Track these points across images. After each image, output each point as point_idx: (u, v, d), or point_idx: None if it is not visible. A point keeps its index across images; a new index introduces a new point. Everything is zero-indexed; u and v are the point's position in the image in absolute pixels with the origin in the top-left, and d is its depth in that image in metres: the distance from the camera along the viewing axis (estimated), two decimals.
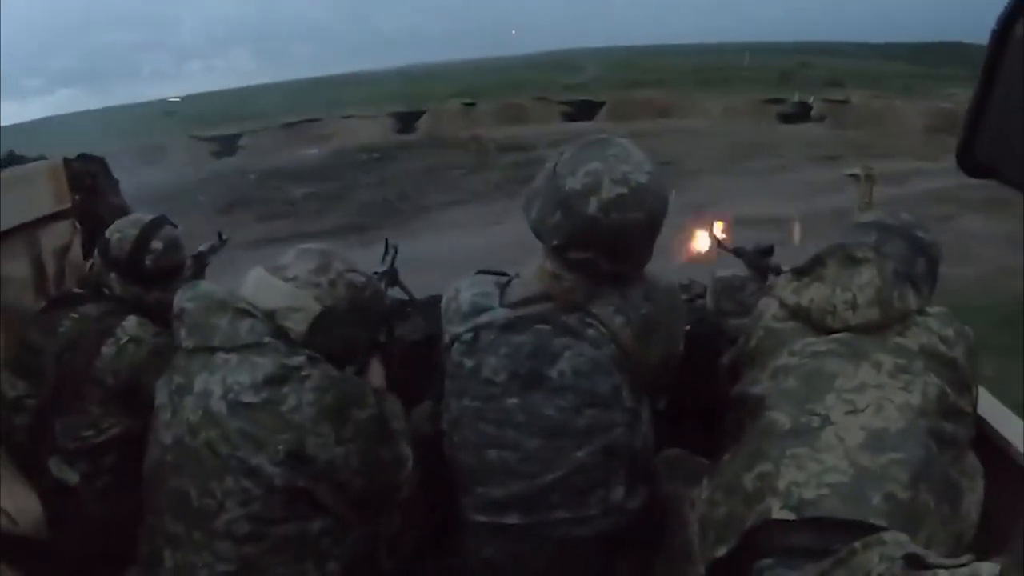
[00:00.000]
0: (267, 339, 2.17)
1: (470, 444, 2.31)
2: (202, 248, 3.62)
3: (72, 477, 2.77)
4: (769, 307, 2.45)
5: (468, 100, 31.94)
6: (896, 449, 2.01)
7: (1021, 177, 1.07)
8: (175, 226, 3.16)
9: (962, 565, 1.62)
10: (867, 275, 2.28)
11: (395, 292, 3.22)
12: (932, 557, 1.70)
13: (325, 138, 28.93)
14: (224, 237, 3.73)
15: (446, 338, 2.39)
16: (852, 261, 2.32)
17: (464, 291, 2.39)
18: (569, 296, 2.26)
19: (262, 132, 29.45)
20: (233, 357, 2.16)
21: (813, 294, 2.33)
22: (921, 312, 2.27)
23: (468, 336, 2.32)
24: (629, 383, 2.26)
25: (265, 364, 2.14)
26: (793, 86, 33.12)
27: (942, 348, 2.20)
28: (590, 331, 2.24)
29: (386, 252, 3.20)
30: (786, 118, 28.44)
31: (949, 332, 2.23)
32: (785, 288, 2.41)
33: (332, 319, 2.25)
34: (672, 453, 2.61)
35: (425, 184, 20.35)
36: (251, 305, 2.21)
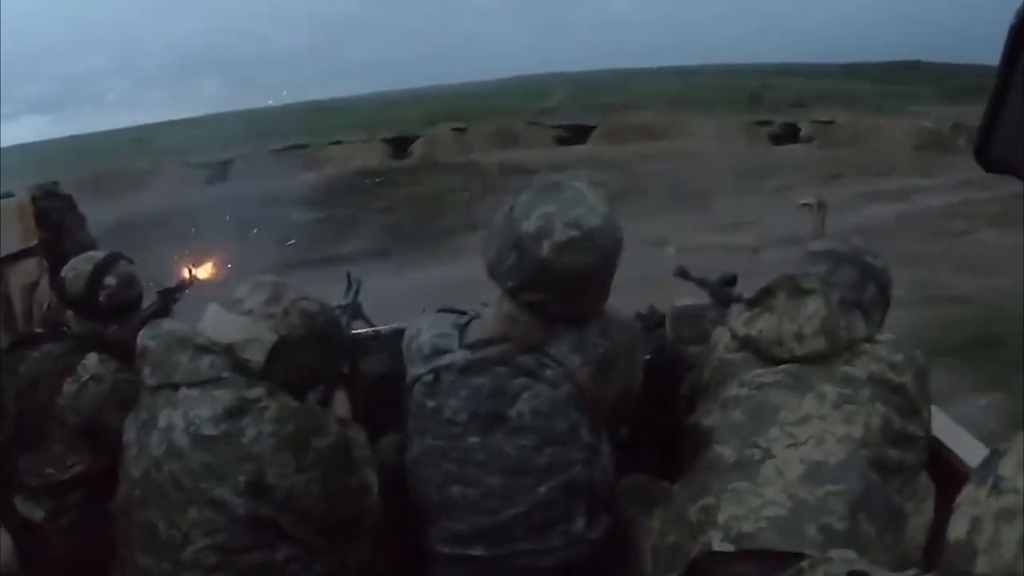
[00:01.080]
0: (226, 373, 2.21)
1: (433, 481, 2.35)
2: (169, 285, 3.62)
3: (37, 514, 2.77)
4: (722, 338, 2.49)
5: (458, 125, 31.97)
6: (834, 481, 2.05)
7: None
8: (131, 261, 3.16)
9: None
10: (813, 306, 2.31)
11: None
12: (877, 572, 1.72)
13: (318, 163, 28.78)
14: (194, 273, 3.73)
15: (408, 379, 2.41)
16: (800, 292, 2.36)
17: (424, 332, 2.41)
18: (526, 338, 2.28)
19: (253, 158, 29.27)
20: (195, 392, 2.20)
21: (762, 325, 2.36)
22: (870, 339, 2.31)
23: (429, 377, 2.34)
24: (587, 420, 2.29)
25: (224, 397, 2.18)
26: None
27: (890, 375, 2.24)
28: (547, 372, 2.26)
29: (349, 286, 3.23)
30: (776, 139, 28.60)
31: (898, 358, 2.27)
32: (737, 319, 2.45)
33: (289, 348, 2.28)
34: (634, 479, 2.62)
35: (434, 209, 20.29)
36: (210, 341, 2.25)
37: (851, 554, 1.84)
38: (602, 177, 22.36)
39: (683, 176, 21.54)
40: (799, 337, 2.29)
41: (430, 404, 2.35)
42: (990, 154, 1.14)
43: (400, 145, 30.08)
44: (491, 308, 2.39)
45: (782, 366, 2.30)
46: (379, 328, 3.26)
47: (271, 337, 2.27)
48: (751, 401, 2.28)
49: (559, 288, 2.23)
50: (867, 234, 11.70)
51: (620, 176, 22.14)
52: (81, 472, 2.82)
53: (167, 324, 2.42)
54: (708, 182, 20.53)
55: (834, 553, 1.83)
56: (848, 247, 2.54)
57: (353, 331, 3.17)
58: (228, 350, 2.24)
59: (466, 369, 2.31)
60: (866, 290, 2.43)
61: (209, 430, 2.16)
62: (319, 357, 2.40)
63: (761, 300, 2.42)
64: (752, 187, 19.99)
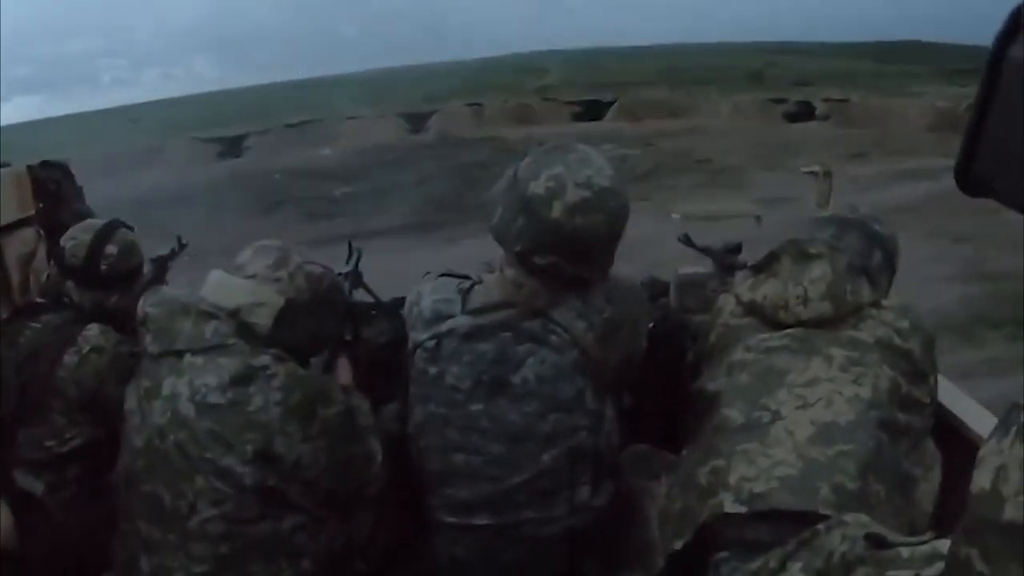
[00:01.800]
0: (232, 340, 2.19)
1: (436, 449, 2.32)
2: (161, 253, 3.59)
3: (37, 488, 2.73)
4: (727, 304, 2.47)
5: (472, 101, 31.97)
6: (845, 441, 2.05)
7: (1018, 197, 1.09)
8: (131, 229, 3.13)
9: (923, 543, 1.66)
10: (819, 270, 2.30)
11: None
12: (893, 536, 1.74)
13: (334, 139, 28.70)
14: (184, 242, 3.67)
15: (409, 344, 2.39)
16: (805, 256, 2.35)
17: (426, 297, 2.38)
18: (531, 303, 2.26)
19: (267, 133, 29.24)
20: (199, 359, 2.17)
21: (767, 290, 2.35)
22: (877, 305, 2.30)
23: (431, 343, 2.31)
24: (592, 386, 2.27)
25: (231, 365, 2.15)
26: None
27: (897, 340, 2.23)
28: (552, 337, 2.24)
29: (350, 255, 3.19)
30: (791, 117, 28.57)
31: (904, 324, 2.26)
32: (742, 285, 2.44)
33: (296, 311, 2.28)
34: (638, 449, 2.61)
35: (466, 183, 20.14)
36: (214, 306, 2.23)
37: (865, 518, 1.85)
38: (630, 153, 22.45)
39: (710, 153, 21.58)
40: (804, 301, 2.27)
41: (432, 370, 2.31)
42: (970, 178, 1.14)
43: (416, 120, 30.22)
44: (494, 273, 2.35)
45: (788, 330, 2.28)
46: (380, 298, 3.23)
47: (278, 300, 2.25)
48: (758, 365, 2.25)
49: (569, 250, 2.20)
50: (899, 213, 11.84)
51: (648, 153, 22.17)
52: (80, 445, 2.78)
53: (168, 291, 2.39)
54: (736, 159, 20.62)
55: (848, 517, 1.84)
56: (855, 214, 2.53)
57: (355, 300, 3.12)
58: (234, 314, 2.22)
59: (469, 335, 2.28)
60: (872, 256, 2.42)
61: (216, 398, 2.13)
62: (324, 322, 2.39)
63: (766, 265, 2.41)
64: (781, 164, 19.92)
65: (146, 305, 2.29)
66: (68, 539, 2.65)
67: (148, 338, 2.26)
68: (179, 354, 2.19)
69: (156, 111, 41.44)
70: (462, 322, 2.28)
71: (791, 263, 2.35)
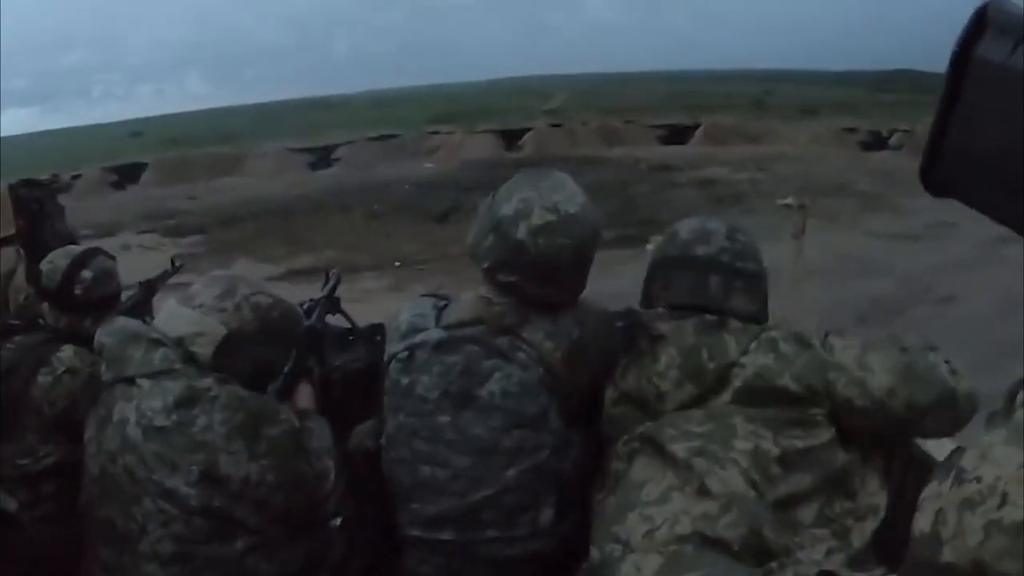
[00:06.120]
0: (178, 365, 2.20)
1: (405, 460, 2.34)
2: (150, 276, 3.59)
3: (11, 505, 2.69)
4: (608, 391, 2.38)
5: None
6: (693, 570, 1.92)
7: (983, 196, 1.10)
8: (112, 258, 3.14)
9: None
10: (664, 359, 2.21)
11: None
12: (845, 572, 1.80)
13: (427, 152, 29.32)
14: (177, 264, 3.66)
15: (386, 357, 2.43)
16: (650, 340, 2.27)
17: (404, 313, 2.44)
18: (501, 321, 2.28)
19: (355, 145, 30.09)
20: (147, 383, 2.19)
21: (632, 380, 2.28)
22: (745, 351, 2.16)
23: (404, 354, 2.35)
24: (559, 407, 2.27)
25: (175, 388, 2.16)
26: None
27: (759, 383, 2.12)
28: (519, 354, 2.26)
29: (326, 281, 3.20)
30: (867, 146, 29.30)
31: (768, 361, 2.13)
32: (619, 367, 2.35)
33: (239, 341, 2.28)
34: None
35: (623, 201, 20.09)
36: (162, 334, 2.26)
37: (818, 555, 1.87)
38: (757, 176, 23.07)
39: (842, 180, 21.85)
40: (660, 398, 2.21)
41: (404, 381, 2.34)
42: (934, 179, 1.15)
43: (508, 137, 31.24)
44: (470, 292, 2.39)
45: (642, 428, 2.21)
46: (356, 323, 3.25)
47: (220, 330, 2.26)
48: (622, 481, 2.18)
49: (533, 271, 2.23)
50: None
51: (771, 177, 22.34)
52: (55, 463, 2.74)
53: (122, 320, 2.41)
54: (869, 186, 21.15)
55: (802, 554, 1.86)
56: (706, 244, 2.32)
57: (329, 325, 3.13)
58: (179, 343, 2.25)
59: (439, 346, 2.31)
60: (732, 292, 2.28)
61: (161, 421, 2.14)
62: (271, 350, 2.39)
63: (628, 347, 2.33)
64: (916, 192, 20.61)
65: (102, 335, 2.32)
66: (43, 557, 2.62)
67: (103, 367, 2.29)
68: (130, 380, 2.21)
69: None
70: (433, 335, 2.33)
71: (646, 346, 2.27)
